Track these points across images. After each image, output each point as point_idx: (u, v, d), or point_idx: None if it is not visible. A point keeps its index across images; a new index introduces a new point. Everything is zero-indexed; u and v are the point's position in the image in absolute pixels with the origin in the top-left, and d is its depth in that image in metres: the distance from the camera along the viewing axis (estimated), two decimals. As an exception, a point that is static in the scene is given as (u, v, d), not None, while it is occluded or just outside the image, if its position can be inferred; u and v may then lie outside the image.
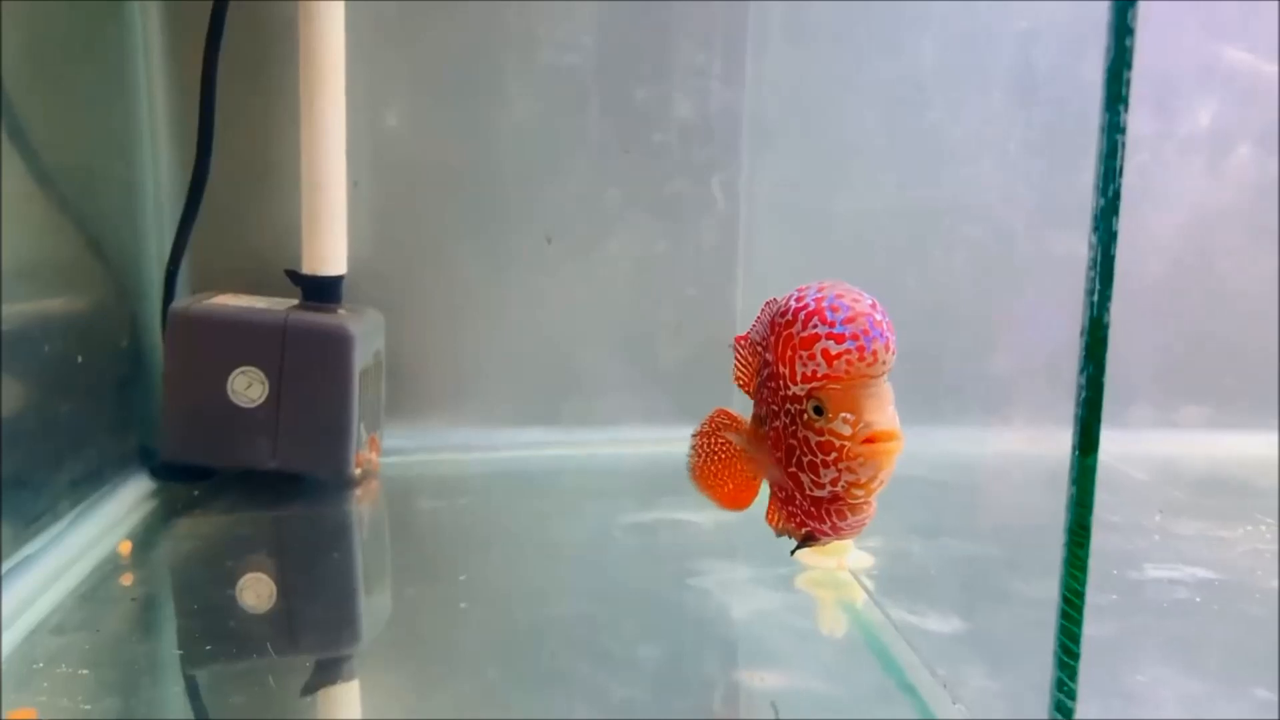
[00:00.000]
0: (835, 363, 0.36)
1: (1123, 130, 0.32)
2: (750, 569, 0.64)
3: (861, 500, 0.39)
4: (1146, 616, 0.59)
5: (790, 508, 0.42)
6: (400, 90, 0.87)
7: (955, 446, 0.90)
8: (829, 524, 0.40)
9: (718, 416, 0.47)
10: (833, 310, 0.36)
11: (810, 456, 0.38)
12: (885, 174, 0.92)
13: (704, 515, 0.74)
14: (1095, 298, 0.33)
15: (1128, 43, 0.31)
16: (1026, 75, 0.92)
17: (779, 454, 0.40)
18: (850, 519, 0.40)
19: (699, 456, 0.46)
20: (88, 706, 0.47)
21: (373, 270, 0.86)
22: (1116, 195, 0.32)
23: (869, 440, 0.37)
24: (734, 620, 0.59)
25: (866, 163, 0.92)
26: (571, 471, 0.87)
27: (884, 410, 0.37)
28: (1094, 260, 0.32)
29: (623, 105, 0.89)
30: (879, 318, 0.37)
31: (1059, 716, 0.37)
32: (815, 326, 0.36)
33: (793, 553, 0.44)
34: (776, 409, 0.40)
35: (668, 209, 0.90)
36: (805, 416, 0.38)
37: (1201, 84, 0.94)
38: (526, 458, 0.89)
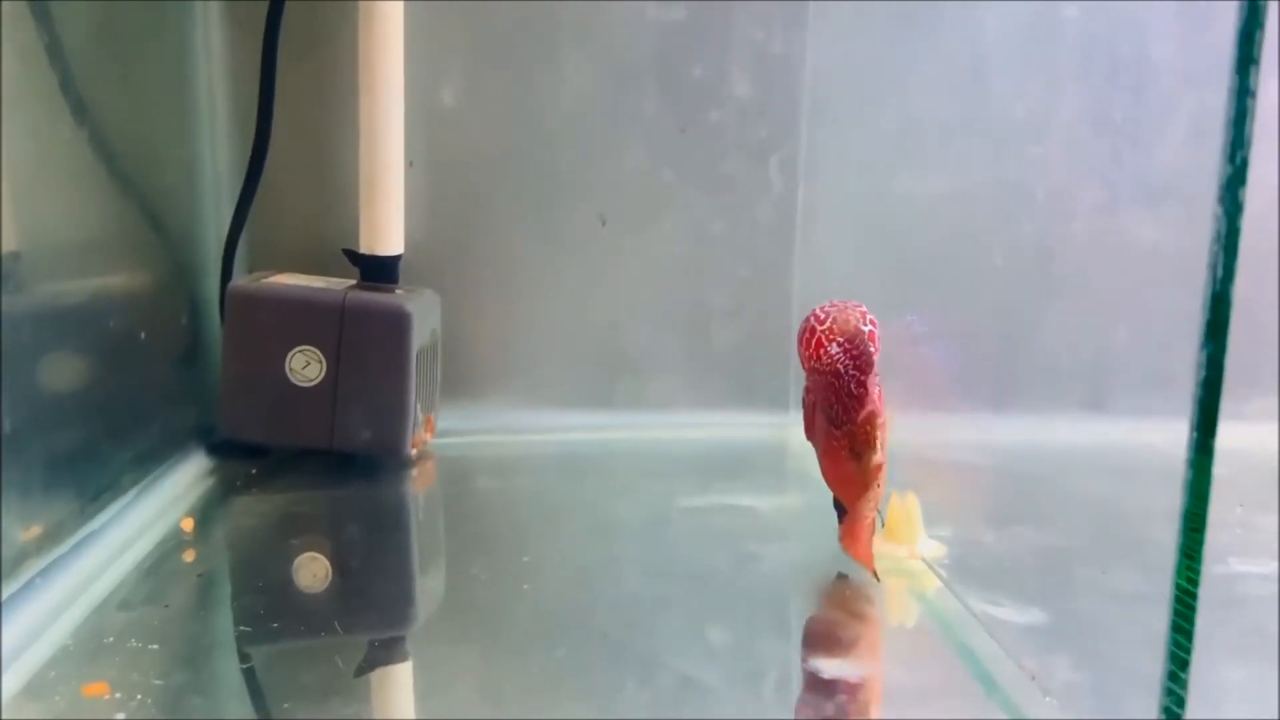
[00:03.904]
0: None
1: (1253, 94, 0.30)
2: (813, 555, 0.63)
3: None
4: (1232, 610, 0.57)
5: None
6: (455, 70, 0.86)
7: (1017, 436, 0.88)
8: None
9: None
10: None
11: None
12: (948, 153, 0.90)
13: (762, 500, 0.73)
14: (1220, 272, 0.31)
15: (1260, 1, 0.30)
16: (1093, 51, 0.89)
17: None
18: None
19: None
20: (159, 682, 0.47)
21: (427, 251, 0.86)
22: (1244, 164, 0.30)
23: None
24: (799, 605, 0.57)
25: (929, 142, 0.89)
26: (625, 454, 0.87)
27: None
28: (1219, 233, 0.30)
29: (679, 83, 0.87)
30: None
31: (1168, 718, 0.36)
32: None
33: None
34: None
35: (724, 189, 0.89)
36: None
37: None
38: (580, 440, 0.88)
